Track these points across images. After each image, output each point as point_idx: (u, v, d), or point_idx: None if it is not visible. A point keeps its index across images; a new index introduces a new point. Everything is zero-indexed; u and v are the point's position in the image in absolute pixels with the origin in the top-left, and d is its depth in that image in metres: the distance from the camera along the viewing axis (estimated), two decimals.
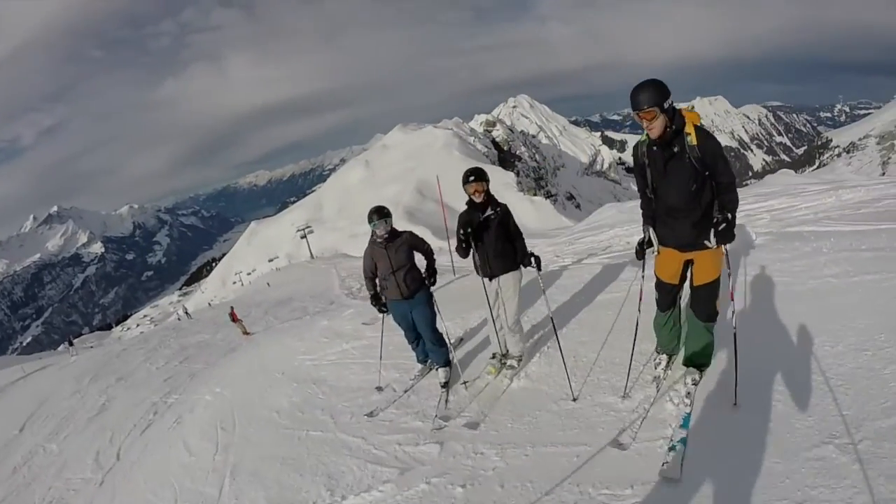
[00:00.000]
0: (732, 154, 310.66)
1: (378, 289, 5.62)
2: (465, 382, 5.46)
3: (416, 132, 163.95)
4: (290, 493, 4.73)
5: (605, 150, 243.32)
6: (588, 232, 21.67)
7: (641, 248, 4.07)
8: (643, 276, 4.34)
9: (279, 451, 5.51)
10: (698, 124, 3.60)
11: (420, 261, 5.53)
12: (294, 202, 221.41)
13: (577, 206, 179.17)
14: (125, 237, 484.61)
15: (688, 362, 4.26)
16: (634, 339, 4.47)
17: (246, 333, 20.20)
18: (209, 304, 74.52)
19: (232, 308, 22.23)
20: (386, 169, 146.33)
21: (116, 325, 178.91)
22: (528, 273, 5.39)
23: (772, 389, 3.87)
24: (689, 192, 3.63)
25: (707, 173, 3.58)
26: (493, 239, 4.86)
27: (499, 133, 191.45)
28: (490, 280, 4.98)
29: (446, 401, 5.30)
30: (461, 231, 4.82)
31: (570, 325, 6.03)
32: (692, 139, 3.53)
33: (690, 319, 4.10)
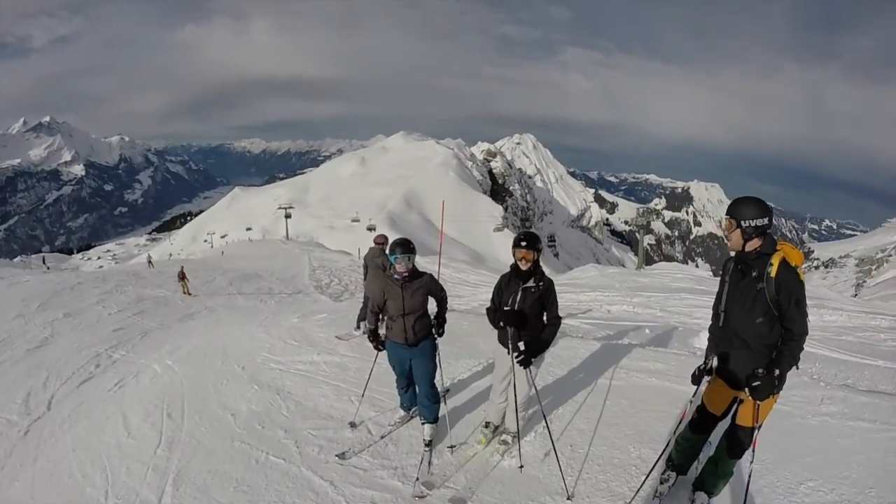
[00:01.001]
0: (716, 242, 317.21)
1: (378, 326, 5.04)
2: (451, 447, 4.85)
3: (418, 143, 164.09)
4: None
5: (595, 207, 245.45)
6: (569, 288, 21.40)
7: (700, 375, 3.70)
8: (691, 402, 3.94)
9: (233, 469, 4.79)
10: (793, 264, 3.26)
11: (431, 307, 4.97)
12: (283, 178, 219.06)
13: (556, 255, 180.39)
14: (108, 167, 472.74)
15: (701, 485, 3.94)
16: (658, 460, 4.08)
17: (187, 293, 19.85)
18: (169, 255, 72.59)
19: (182, 268, 21.90)
20: (380, 170, 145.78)
21: (78, 252, 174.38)
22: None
23: None
24: (753, 322, 3.34)
25: (778, 314, 3.26)
26: (527, 313, 4.30)
27: (497, 165, 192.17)
28: (510, 352, 4.37)
29: (429, 463, 4.68)
30: (496, 303, 4.40)
31: (566, 407, 5.57)
32: (773, 271, 3.23)
33: (721, 449, 3.76)
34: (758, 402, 3.33)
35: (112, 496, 4.66)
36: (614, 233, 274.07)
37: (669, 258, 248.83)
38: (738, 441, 3.59)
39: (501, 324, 4.27)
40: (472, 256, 77.79)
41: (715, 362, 3.64)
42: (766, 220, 3.26)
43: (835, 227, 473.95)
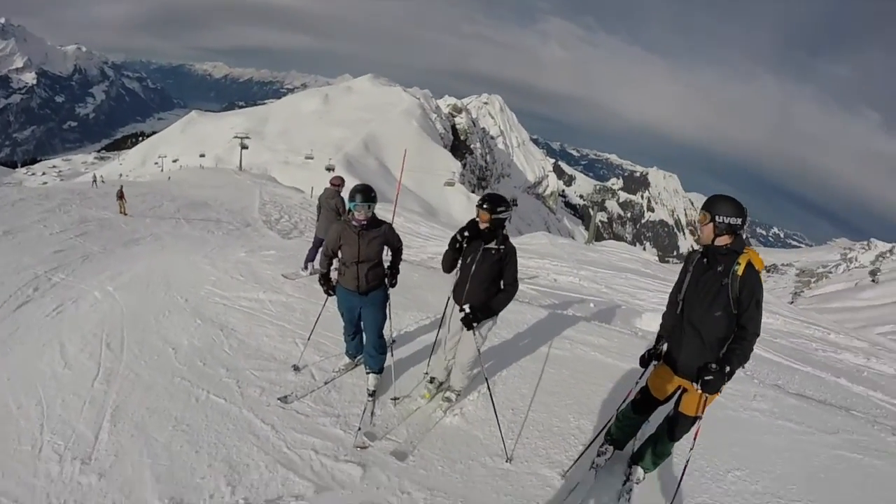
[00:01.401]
0: (665, 231, 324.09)
1: (331, 269, 4.94)
2: (395, 399, 4.86)
3: (384, 88, 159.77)
4: (183, 473, 3.86)
5: (553, 177, 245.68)
6: (518, 253, 21.63)
7: (649, 359, 3.82)
8: (637, 383, 4.05)
9: (173, 406, 4.63)
10: (758, 268, 3.36)
11: (385, 257, 4.90)
12: (242, 107, 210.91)
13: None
14: (62, 77, 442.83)
15: (637, 460, 4.12)
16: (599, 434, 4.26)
17: (123, 213, 19.45)
18: (119, 175, 69.49)
19: (122, 187, 21.48)
20: (342, 111, 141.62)
21: (22, 166, 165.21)
22: None
23: None
24: (711, 315, 3.41)
25: (736, 312, 3.37)
26: (483, 274, 4.30)
27: (461, 121, 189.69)
28: (460, 310, 4.35)
29: (372, 413, 4.66)
30: (458, 236, 4.29)
31: (510, 371, 5.67)
32: (740, 270, 3.30)
33: (661, 431, 3.89)
34: (706, 395, 3.42)
35: (47, 430, 4.42)
36: (568, 205, 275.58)
37: (619, 238, 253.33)
38: (680, 427, 3.71)
39: (459, 238, 4.29)
40: (424, 209, 77.38)
41: (665, 348, 3.74)
42: (739, 221, 3.33)
43: (782, 235, 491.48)
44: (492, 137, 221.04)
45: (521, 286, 13.05)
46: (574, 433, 4.62)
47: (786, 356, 9.74)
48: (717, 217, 3.33)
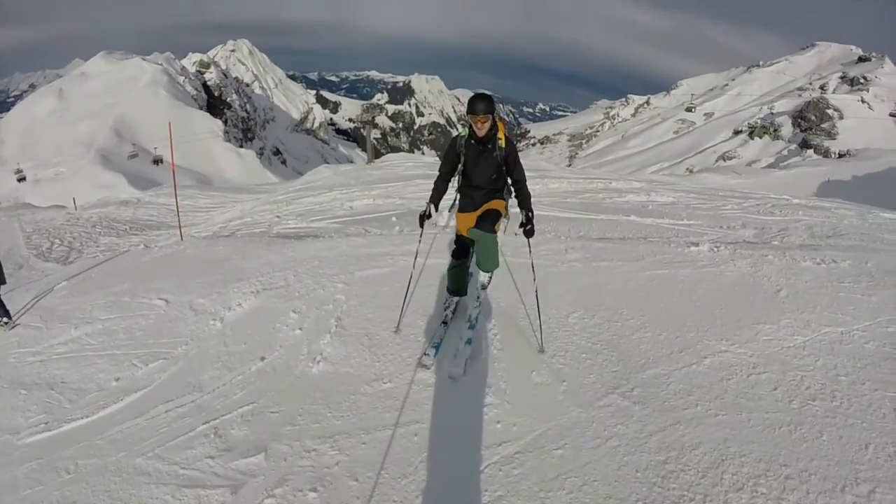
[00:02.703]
0: (439, 130, 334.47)
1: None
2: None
3: (122, 63, 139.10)
4: None
5: (318, 108, 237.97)
6: (306, 192, 21.42)
7: (422, 220, 4.73)
8: (420, 240, 5.46)
9: (48, 493, 4.03)
10: (507, 135, 4.55)
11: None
12: None
13: (283, 162, 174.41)
14: None
15: (482, 266, 4.78)
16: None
17: None
18: None
19: None
20: (82, 102, 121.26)
21: None
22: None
23: (555, 353, 4.62)
24: (490, 178, 4.60)
25: (504, 168, 4.56)
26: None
27: (212, 77, 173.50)
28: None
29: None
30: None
31: (351, 303, 5.85)
32: (502, 143, 4.48)
33: (481, 236, 4.59)
34: (528, 238, 4.56)
35: None
36: (339, 131, 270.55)
37: (396, 149, 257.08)
38: (486, 221, 4.55)
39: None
40: (197, 179, 71.53)
41: (432, 209, 4.66)
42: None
43: (548, 109, 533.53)
44: (247, 85, 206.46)
45: (317, 223, 13.06)
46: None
47: (579, 211, 11.01)
48: (494, 114, 4.35)
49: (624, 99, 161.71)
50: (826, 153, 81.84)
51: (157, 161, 75.31)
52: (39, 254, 21.01)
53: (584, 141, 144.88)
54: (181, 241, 12.12)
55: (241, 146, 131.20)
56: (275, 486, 3.56)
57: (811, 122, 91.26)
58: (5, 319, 8.28)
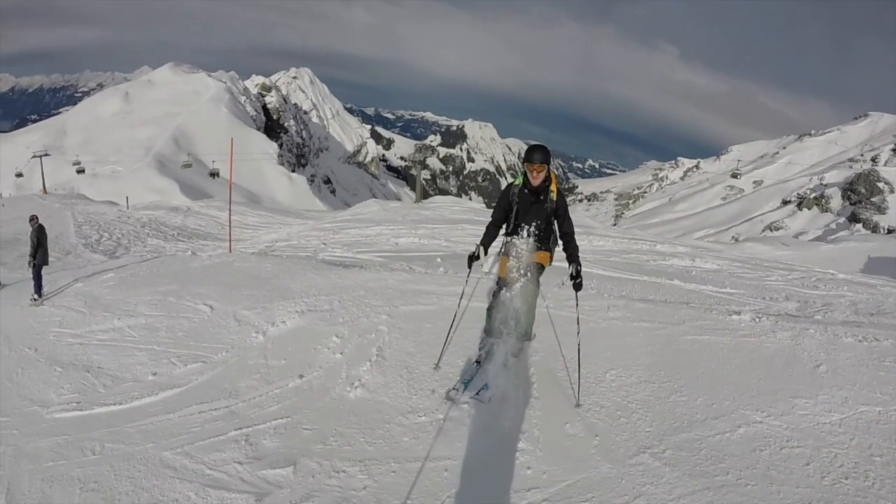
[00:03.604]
0: (489, 177, 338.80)
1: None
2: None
3: (188, 75, 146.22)
4: None
5: (371, 143, 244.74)
6: (353, 223, 21.77)
7: (471, 261, 4.82)
8: (466, 281, 5.40)
9: (70, 469, 4.14)
10: (559, 188, 4.75)
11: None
12: (36, 121, 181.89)
13: (332, 192, 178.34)
14: None
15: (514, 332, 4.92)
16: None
17: None
18: None
19: None
20: (146, 107, 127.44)
21: None
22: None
23: (590, 407, 4.55)
24: (539, 227, 4.71)
25: (554, 219, 4.77)
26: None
27: (272, 100, 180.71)
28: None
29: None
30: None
31: (393, 335, 5.88)
32: (553, 195, 4.67)
33: (520, 303, 4.74)
34: (576, 291, 4.72)
35: None
36: (390, 168, 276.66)
37: (444, 192, 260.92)
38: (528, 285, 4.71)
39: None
40: (247, 197, 73.64)
41: (482, 252, 4.76)
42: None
43: (597, 166, 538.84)
44: (305, 112, 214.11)
45: (363, 255, 13.27)
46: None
47: (623, 271, 10.93)
48: (548, 165, 4.57)
49: (674, 161, 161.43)
50: (875, 228, 79.70)
51: (214, 174, 78.17)
52: (88, 244, 21.75)
53: (631, 201, 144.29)
54: (229, 254, 12.46)
55: (294, 171, 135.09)
56: (301, 499, 3.55)
57: (861, 196, 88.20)
58: (35, 296, 8.70)
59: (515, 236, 4.77)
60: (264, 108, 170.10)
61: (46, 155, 69.15)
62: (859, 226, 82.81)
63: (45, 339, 6.83)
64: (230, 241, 14.87)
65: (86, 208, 33.88)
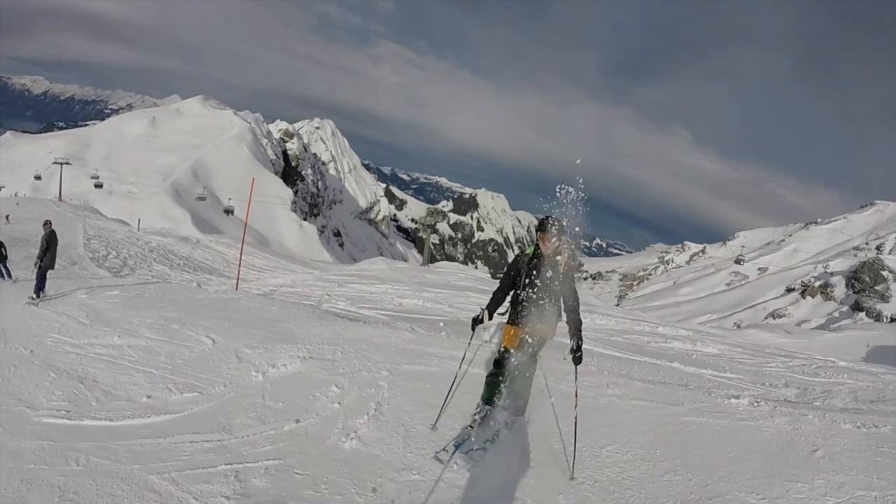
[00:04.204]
0: (496, 249, 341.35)
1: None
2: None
3: (215, 111, 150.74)
4: None
5: (384, 202, 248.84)
6: (359, 278, 21.92)
7: (475, 324, 4.94)
8: (468, 345, 5.55)
9: (52, 475, 4.07)
10: (568, 261, 4.79)
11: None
12: (62, 128, 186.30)
13: (341, 245, 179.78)
14: None
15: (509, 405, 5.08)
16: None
17: None
18: None
19: None
20: (170, 135, 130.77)
21: None
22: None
23: (584, 481, 4.49)
24: (544, 297, 4.72)
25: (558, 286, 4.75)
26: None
27: (293, 147, 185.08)
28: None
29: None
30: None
31: (393, 392, 5.85)
32: (562, 267, 4.70)
33: (517, 374, 4.90)
34: (576, 365, 4.71)
35: None
36: (400, 228, 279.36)
37: (451, 258, 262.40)
38: (527, 354, 4.91)
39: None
40: (256, 239, 74.30)
41: (486, 316, 4.90)
42: None
43: (604, 245, 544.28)
44: (323, 163, 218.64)
45: (367, 311, 13.33)
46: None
47: (623, 350, 10.92)
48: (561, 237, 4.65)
49: (680, 245, 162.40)
50: (878, 316, 79.13)
51: (229, 211, 79.20)
52: (95, 258, 21.93)
53: (635, 282, 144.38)
54: (235, 291, 12.54)
55: (306, 219, 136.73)
56: None
57: (865, 284, 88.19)
58: (33, 296, 8.83)
59: (520, 305, 4.83)
60: (284, 153, 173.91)
61: (67, 163, 70.55)
62: (862, 314, 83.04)
63: (43, 343, 6.82)
64: (238, 278, 14.97)
65: (97, 223, 34.30)
